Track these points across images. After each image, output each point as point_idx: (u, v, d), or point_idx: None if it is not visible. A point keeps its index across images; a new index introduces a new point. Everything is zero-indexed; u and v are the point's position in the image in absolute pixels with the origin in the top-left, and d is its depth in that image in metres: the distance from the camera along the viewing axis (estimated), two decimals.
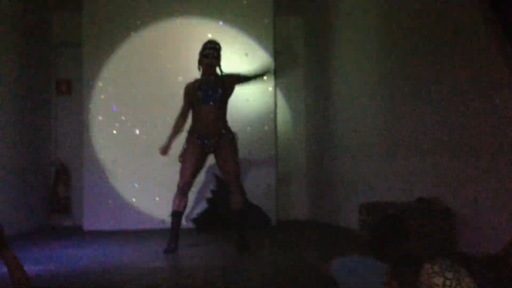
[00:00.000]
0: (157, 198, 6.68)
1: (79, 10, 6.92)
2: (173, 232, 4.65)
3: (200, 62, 4.73)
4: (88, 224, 6.62)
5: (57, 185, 7.35)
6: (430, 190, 4.39)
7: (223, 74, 4.76)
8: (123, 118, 6.78)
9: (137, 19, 6.89)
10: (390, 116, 5.24)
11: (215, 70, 4.71)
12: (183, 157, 4.67)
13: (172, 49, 6.88)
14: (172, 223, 4.69)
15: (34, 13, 7.02)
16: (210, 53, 4.66)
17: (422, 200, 4.31)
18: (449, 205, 4.12)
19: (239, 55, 6.87)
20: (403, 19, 4.94)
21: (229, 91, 4.74)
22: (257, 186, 6.85)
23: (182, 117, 4.78)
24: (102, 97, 6.80)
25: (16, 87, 6.36)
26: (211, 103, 4.63)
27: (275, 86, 7.12)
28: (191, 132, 4.72)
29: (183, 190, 4.67)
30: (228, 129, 4.74)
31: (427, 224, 3.96)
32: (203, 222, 6.50)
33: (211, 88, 4.64)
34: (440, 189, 4.29)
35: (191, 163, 4.64)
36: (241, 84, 4.83)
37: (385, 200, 4.80)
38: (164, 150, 4.72)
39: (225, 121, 4.75)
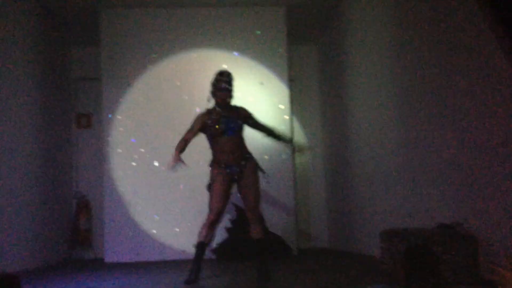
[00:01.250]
0: (177, 229, 6.70)
1: (97, 45, 7.08)
2: (195, 263, 4.64)
3: (214, 95, 4.79)
4: (109, 256, 6.66)
5: (78, 217, 7.41)
6: (451, 215, 4.34)
7: (238, 106, 4.84)
8: (142, 150, 6.86)
9: (153, 52, 7.03)
10: (407, 141, 5.22)
11: (229, 102, 4.80)
12: (211, 190, 4.70)
13: (188, 81, 6.99)
14: (196, 254, 4.69)
15: (55, 49, 7.20)
16: (225, 87, 4.73)
17: (444, 226, 4.26)
18: (471, 230, 4.07)
19: (254, 84, 6.94)
20: (416, 45, 4.96)
21: (244, 121, 4.81)
22: (276, 215, 6.84)
23: (185, 141, 4.71)
24: (121, 129, 6.90)
25: (37, 121, 6.49)
26: (232, 133, 4.70)
27: (291, 114, 7.16)
28: (215, 163, 4.77)
29: (213, 223, 4.70)
30: (250, 154, 4.82)
31: (450, 251, 3.91)
32: (223, 252, 6.48)
33: (230, 120, 4.71)
34: (461, 214, 4.24)
35: (220, 196, 4.67)
36: (252, 126, 4.87)
37: (406, 227, 4.75)
38: (174, 161, 4.58)
39: (245, 147, 4.82)
